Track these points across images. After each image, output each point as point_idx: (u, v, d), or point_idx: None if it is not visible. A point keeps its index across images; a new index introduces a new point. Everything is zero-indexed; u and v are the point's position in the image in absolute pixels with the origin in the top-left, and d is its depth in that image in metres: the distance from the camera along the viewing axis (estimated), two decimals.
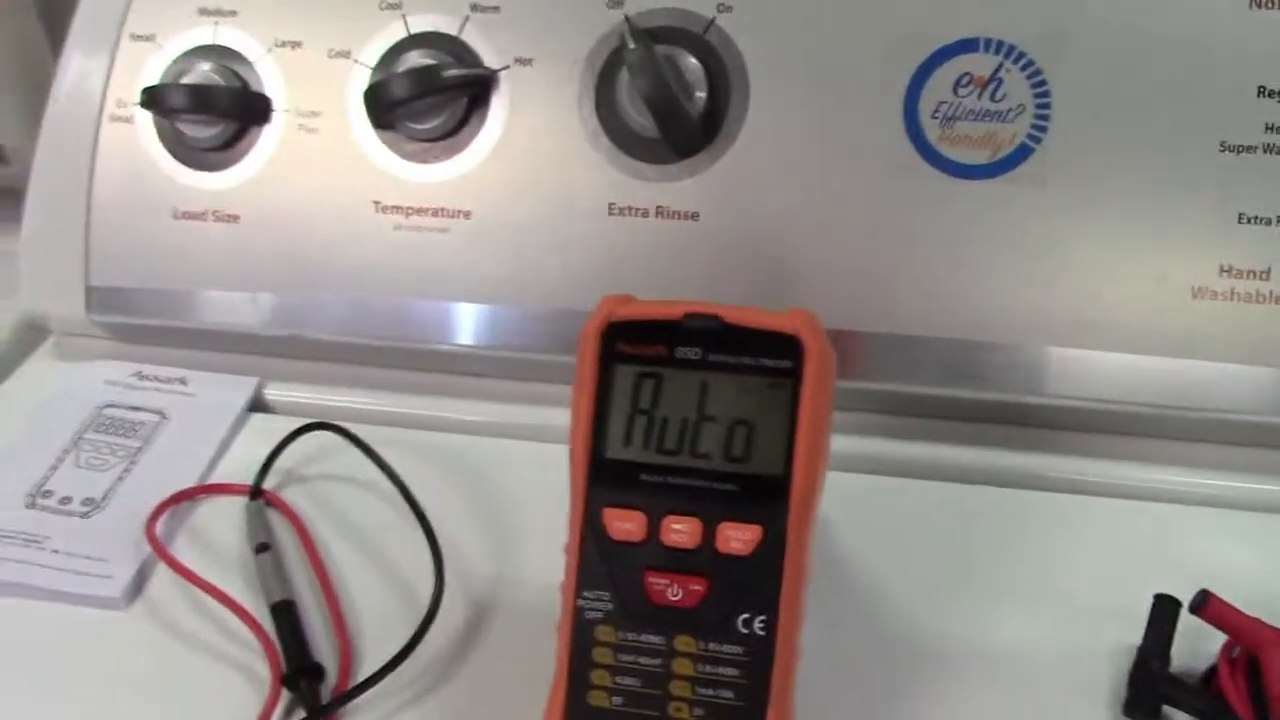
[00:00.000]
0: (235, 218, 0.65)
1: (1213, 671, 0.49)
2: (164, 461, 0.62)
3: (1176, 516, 0.57)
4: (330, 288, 0.64)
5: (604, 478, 0.45)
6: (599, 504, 0.45)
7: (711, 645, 0.44)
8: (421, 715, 0.51)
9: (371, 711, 0.51)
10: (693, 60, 0.59)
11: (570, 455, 0.46)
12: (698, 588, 0.44)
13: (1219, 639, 0.50)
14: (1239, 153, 0.55)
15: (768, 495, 0.44)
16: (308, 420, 0.62)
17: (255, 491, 0.60)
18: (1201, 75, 0.56)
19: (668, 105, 0.58)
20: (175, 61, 0.66)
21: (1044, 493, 0.57)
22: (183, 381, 0.66)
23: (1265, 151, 0.55)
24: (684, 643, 0.44)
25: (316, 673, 0.52)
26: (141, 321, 0.67)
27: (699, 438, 0.45)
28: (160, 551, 0.57)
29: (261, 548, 0.57)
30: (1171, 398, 0.56)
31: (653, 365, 0.45)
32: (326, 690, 0.51)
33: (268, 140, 0.65)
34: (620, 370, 0.46)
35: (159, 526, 0.58)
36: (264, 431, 0.64)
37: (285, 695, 0.51)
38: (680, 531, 0.44)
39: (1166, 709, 0.48)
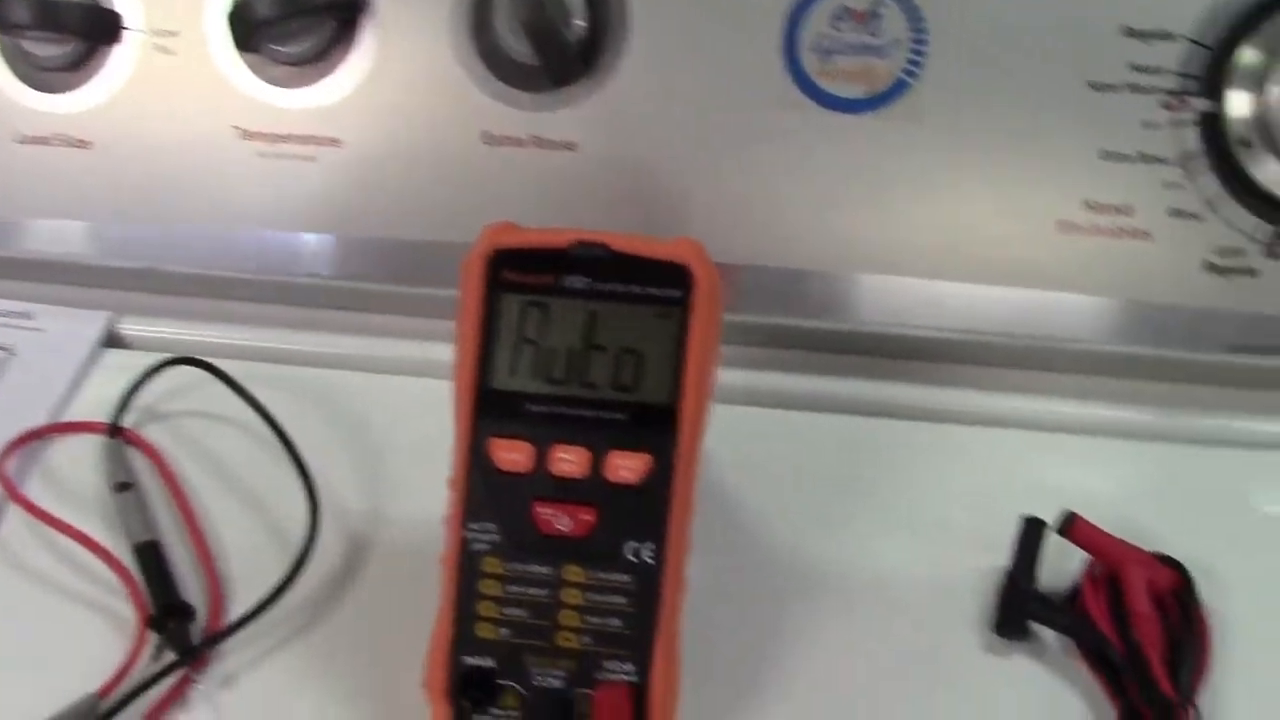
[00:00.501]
0: (85, 143, 0.62)
1: (1076, 590, 0.51)
2: (11, 400, 0.59)
3: (1039, 443, 0.58)
4: (189, 218, 0.62)
5: (490, 408, 0.45)
6: (485, 435, 0.44)
7: (600, 574, 0.44)
8: (298, 654, 0.50)
9: (246, 652, 0.49)
10: None
11: (455, 386, 0.45)
12: (587, 517, 0.44)
13: (1081, 559, 0.52)
14: (1104, 91, 0.57)
15: (656, 424, 0.44)
16: (168, 355, 0.59)
17: (113, 429, 0.57)
18: (1071, 15, 0.57)
19: (546, 32, 0.56)
20: None
21: (914, 422, 0.58)
22: (27, 316, 0.63)
23: (1130, 90, 0.56)
24: (572, 572, 0.44)
25: (185, 613, 0.50)
26: None
27: (587, 367, 0.45)
28: (11, 492, 0.54)
29: (121, 486, 0.54)
30: (1036, 328, 0.58)
31: (539, 294, 0.45)
32: (197, 631, 0.50)
33: (120, 61, 0.62)
34: (505, 299, 0.45)
35: (9, 468, 0.55)
36: (119, 368, 0.61)
37: (153, 638, 0.49)
38: (568, 461, 0.44)
39: (1034, 626, 0.50)
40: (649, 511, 0.44)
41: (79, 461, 0.57)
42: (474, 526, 0.44)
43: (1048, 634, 0.50)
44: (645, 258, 0.44)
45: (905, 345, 0.60)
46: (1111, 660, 0.48)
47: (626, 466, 0.44)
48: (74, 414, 0.59)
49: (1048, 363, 0.60)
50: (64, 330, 0.62)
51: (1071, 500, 0.53)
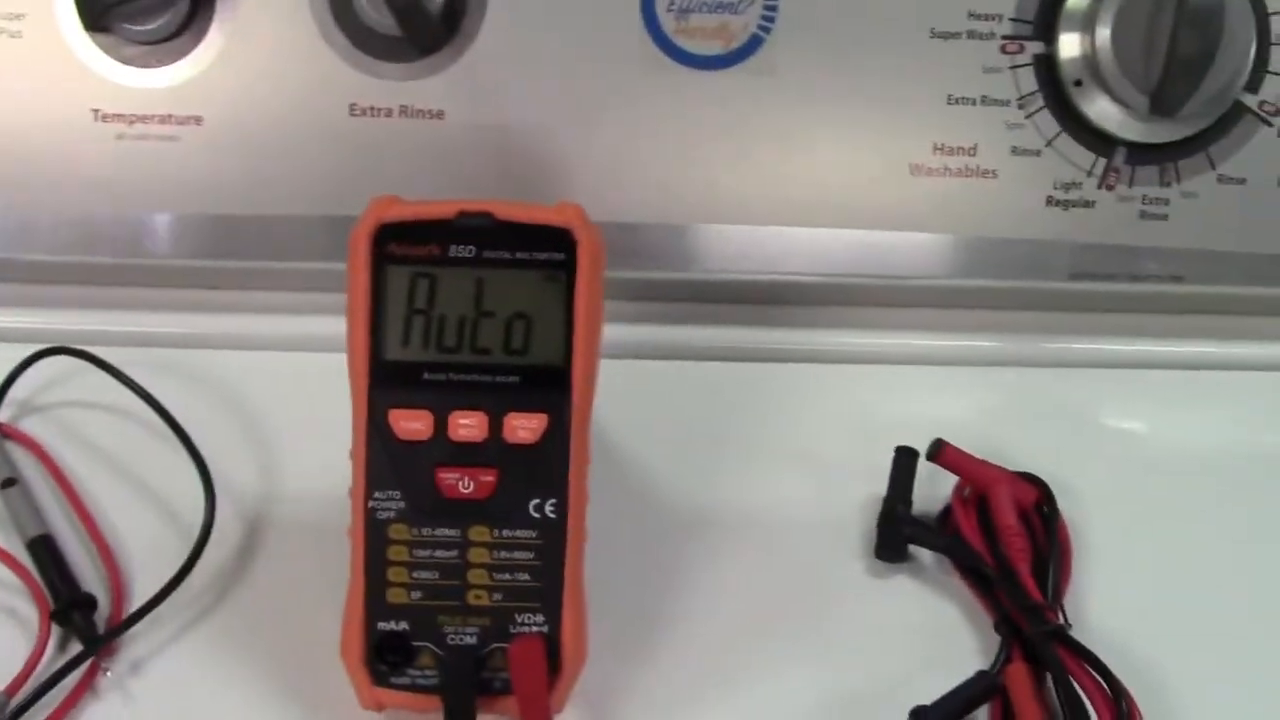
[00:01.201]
0: None
1: (947, 511, 0.55)
2: None
3: (901, 377, 0.62)
4: (46, 206, 0.60)
5: (385, 380, 0.45)
6: (383, 406, 0.45)
7: (505, 533, 0.45)
8: (206, 635, 0.50)
9: (152, 638, 0.50)
10: None
11: (349, 360, 0.46)
12: (488, 478, 0.45)
13: (948, 485, 0.56)
14: (946, 39, 0.59)
15: (550, 384, 0.45)
16: (42, 346, 0.58)
17: None
18: None
19: (407, 1, 0.57)
20: None
21: (782, 364, 0.62)
22: None
23: (969, 37, 0.59)
24: (478, 533, 0.45)
25: (89, 604, 0.50)
26: None
27: (478, 333, 0.46)
28: None
29: (7, 483, 0.54)
30: (893, 268, 0.61)
31: (426, 265, 0.45)
32: (100, 622, 0.50)
33: None
34: (393, 272, 0.45)
35: None
36: None
37: (56, 631, 0.49)
38: (467, 425, 0.45)
39: (912, 548, 0.54)
40: (549, 468, 0.45)
41: None
42: (378, 496, 0.45)
43: (925, 555, 0.54)
44: (529, 224, 0.45)
45: (770, 291, 0.62)
46: (985, 574, 0.51)
47: (524, 427, 0.45)
48: None
49: (905, 299, 0.64)
50: None
51: (934, 428, 0.56)
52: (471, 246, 0.45)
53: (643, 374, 0.60)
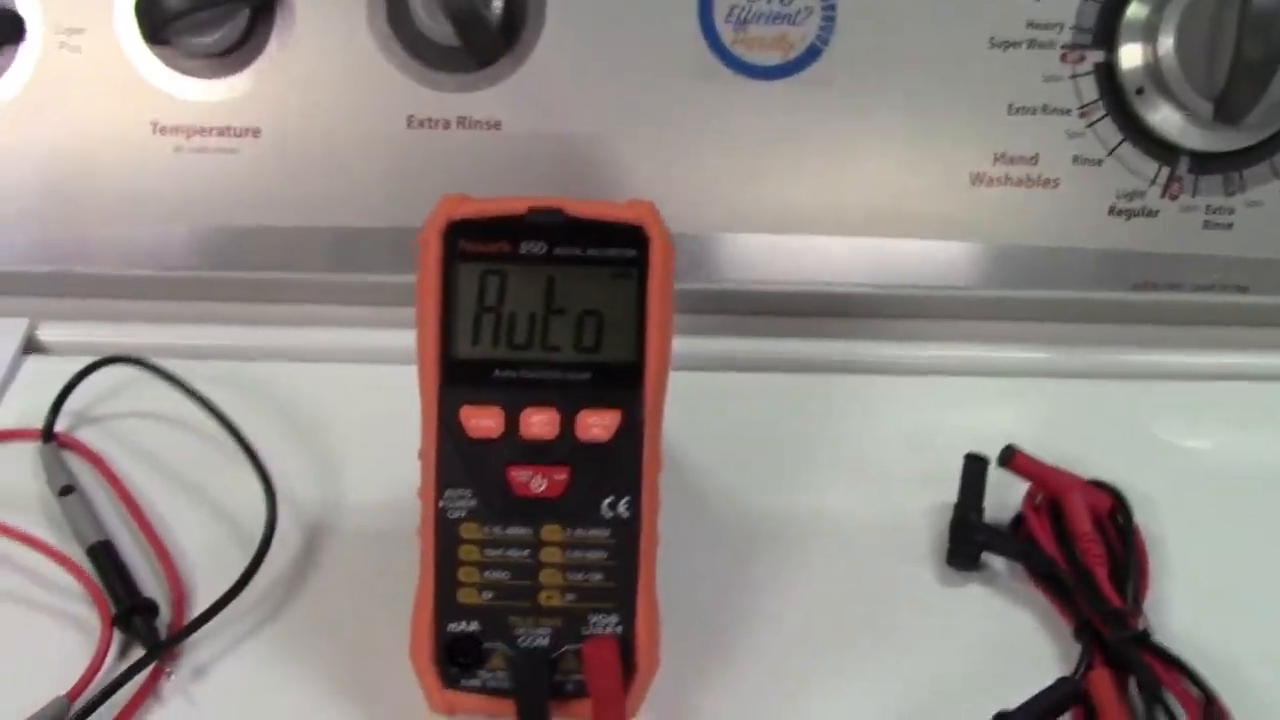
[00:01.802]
0: None
1: (1019, 519, 0.54)
2: None
3: (965, 387, 0.61)
4: (105, 219, 0.61)
5: (456, 378, 0.45)
6: (454, 404, 0.45)
7: (578, 531, 0.45)
8: (269, 640, 0.49)
9: (215, 643, 0.49)
10: None
11: (419, 358, 0.45)
12: (561, 477, 0.45)
13: (1014, 493, 0.55)
14: (1006, 48, 0.59)
15: (623, 381, 0.45)
16: (101, 356, 0.58)
17: (48, 434, 0.56)
18: None
19: (468, 13, 0.57)
20: None
21: (846, 375, 0.61)
22: None
23: (1029, 46, 0.59)
24: (550, 532, 0.45)
25: (151, 609, 0.49)
26: None
27: (548, 331, 0.45)
28: None
29: (66, 490, 0.53)
30: (954, 279, 0.61)
31: (496, 262, 0.45)
32: (161, 628, 0.49)
33: (23, 63, 0.60)
34: (464, 269, 0.45)
35: None
36: (42, 375, 0.59)
37: (117, 637, 0.48)
38: (539, 423, 0.44)
39: (984, 556, 0.53)
40: (622, 466, 0.45)
41: (11, 470, 0.55)
42: (449, 495, 0.45)
43: (996, 562, 0.53)
44: (600, 220, 0.45)
45: (831, 302, 0.62)
46: (1061, 580, 0.50)
47: (598, 424, 0.45)
48: (1, 423, 0.58)
49: (965, 311, 0.63)
50: None
51: (997, 438, 0.55)
52: (542, 243, 0.45)
53: (702, 385, 0.59)
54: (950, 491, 0.54)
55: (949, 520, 0.53)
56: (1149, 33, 0.58)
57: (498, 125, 0.60)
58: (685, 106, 0.60)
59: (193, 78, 0.60)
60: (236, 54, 0.60)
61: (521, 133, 0.60)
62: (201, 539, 0.53)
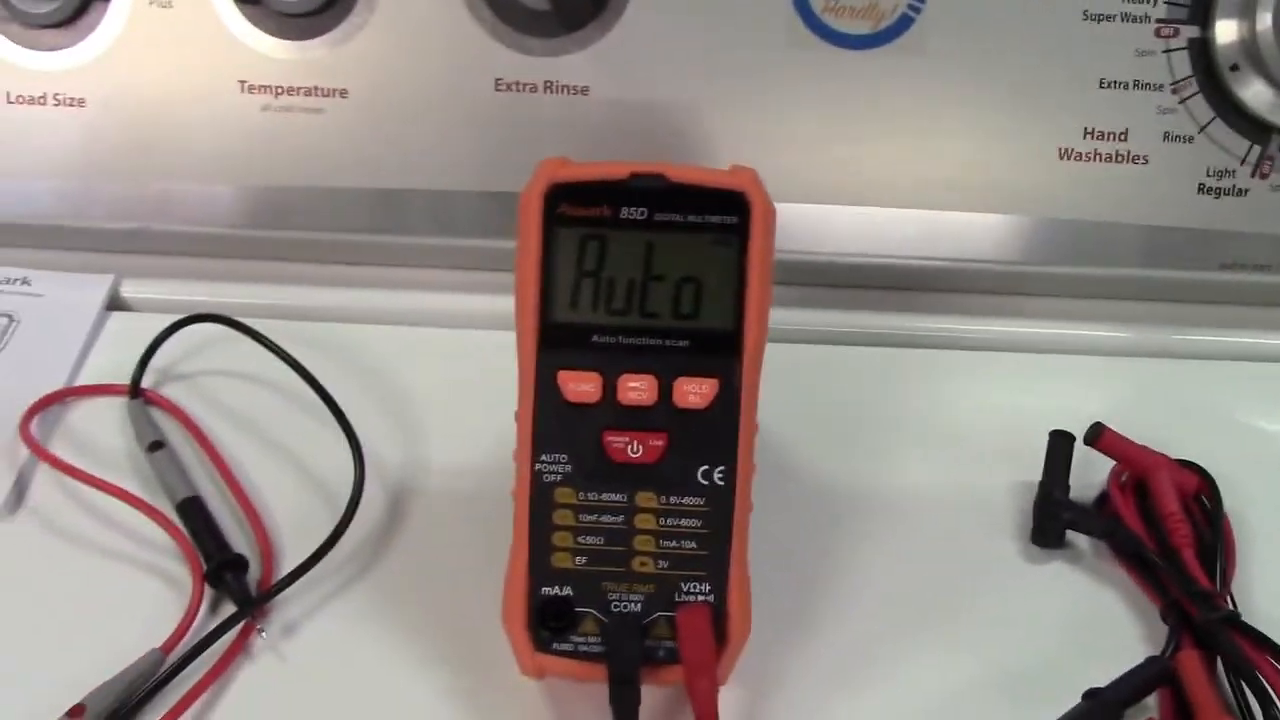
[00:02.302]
0: (80, 101, 0.60)
1: (1104, 497, 0.54)
2: (21, 367, 0.58)
3: (1051, 365, 0.61)
4: (191, 176, 0.61)
5: (554, 341, 0.45)
6: (552, 367, 0.45)
7: (673, 499, 0.45)
8: (357, 598, 0.49)
9: (304, 600, 0.49)
10: None
11: (517, 321, 0.45)
12: (657, 443, 0.45)
13: (1099, 471, 0.54)
14: (1099, 21, 0.59)
15: (720, 349, 0.45)
16: (187, 314, 0.58)
17: (135, 390, 0.56)
18: None
19: None
20: None
21: (933, 350, 0.61)
22: (26, 281, 0.61)
23: (1122, 20, 0.59)
24: (645, 498, 0.45)
25: (241, 565, 0.49)
26: None
27: (647, 296, 0.45)
28: (43, 454, 0.53)
29: (155, 445, 0.54)
30: (1042, 255, 0.60)
31: (597, 226, 0.45)
32: (250, 584, 0.49)
33: (115, 16, 0.60)
34: (563, 233, 0.45)
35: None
36: (127, 331, 0.60)
37: (207, 593, 0.49)
38: (637, 389, 0.45)
39: (1069, 534, 0.52)
40: (719, 435, 0.45)
41: (99, 424, 0.56)
42: (545, 458, 0.45)
43: (1081, 541, 0.53)
44: (702, 186, 0.45)
45: (916, 276, 0.62)
46: (1147, 559, 0.50)
47: (695, 391, 0.45)
48: (86, 378, 0.58)
49: (1050, 287, 0.63)
50: (66, 296, 0.61)
51: (1080, 416, 0.55)
52: (643, 209, 0.45)
53: (786, 357, 0.58)
54: (1035, 469, 0.54)
55: (1033, 497, 0.53)
56: (1246, 9, 0.57)
57: (585, 90, 0.59)
58: (774, 75, 0.59)
59: (281, 38, 0.60)
60: (325, 14, 0.59)
61: (609, 98, 0.59)
62: (287, 497, 0.53)
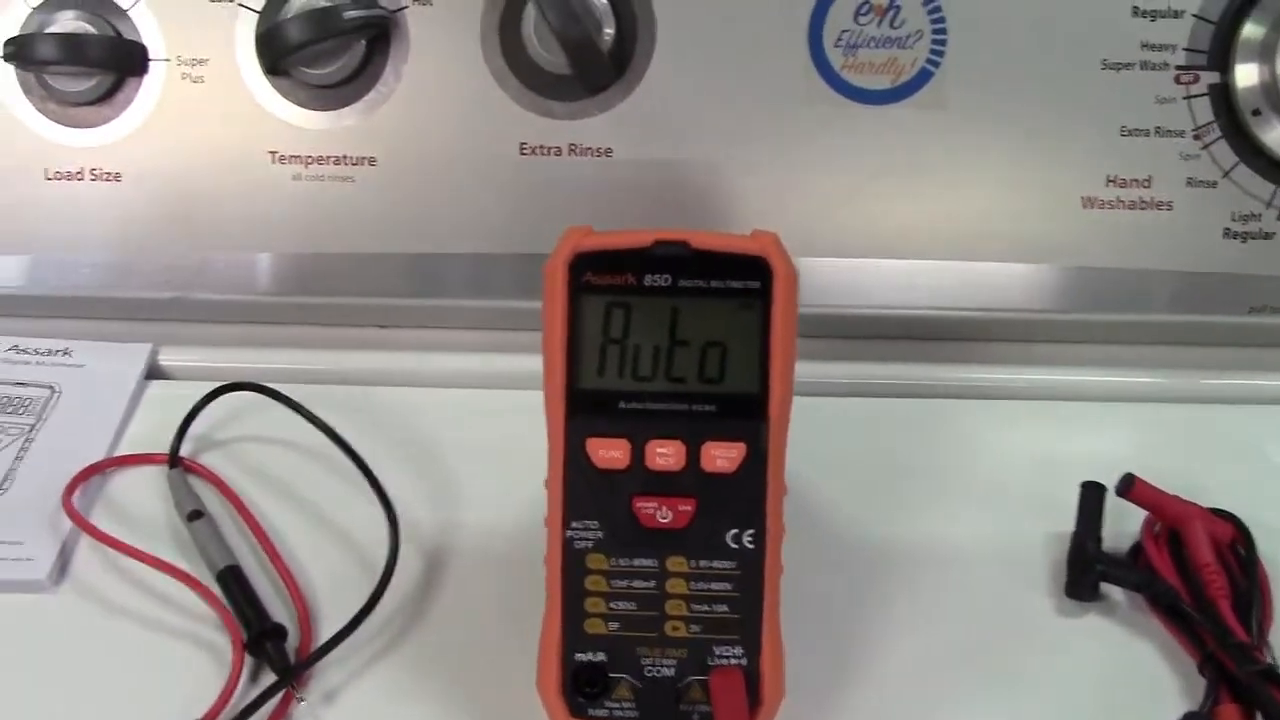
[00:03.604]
0: (115, 176, 0.62)
1: (1137, 547, 0.53)
2: (64, 437, 0.59)
3: (1077, 413, 0.61)
4: (225, 246, 0.62)
5: (582, 409, 0.45)
6: (580, 435, 0.45)
7: (703, 563, 0.45)
8: (395, 665, 0.50)
9: (342, 667, 0.50)
10: None
11: (545, 389, 0.46)
12: (686, 508, 0.45)
13: (1130, 520, 0.54)
14: (1119, 70, 0.59)
15: (747, 413, 0.45)
16: (216, 384, 0.59)
17: (174, 459, 0.57)
18: None
19: (581, 42, 0.57)
20: (35, 10, 0.62)
21: (958, 400, 0.61)
22: (67, 353, 0.63)
23: (1142, 68, 0.59)
24: (676, 563, 0.45)
25: (280, 634, 0.50)
26: (14, 292, 0.63)
27: (672, 362, 0.45)
28: (85, 527, 0.54)
29: (194, 515, 0.54)
30: (1067, 303, 0.61)
31: (622, 294, 0.45)
32: (290, 652, 0.50)
33: (148, 92, 0.61)
34: (589, 301, 0.45)
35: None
36: (166, 399, 0.61)
37: (247, 661, 0.49)
38: (665, 454, 0.45)
39: (1103, 586, 0.52)
40: (747, 498, 0.45)
41: (140, 493, 0.57)
42: (576, 525, 0.45)
43: (1115, 592, 0.52)
44: (725, 252, 0.45)
45: (942, 327, 0.62)
46: (1183, 612, 0.50)
47: (723, 456, 0.45)
48: (127, 448, 0.59)
49: (1076, 334, 0.63)
50: (106, 365, 0.62)
51: (1110, 464, 0.55)
52: (667, 275, 0.45)
53: (814, 411, 0.59)
54: (1066, 518, 0.54)
55: (1066, 549, 0.53)
56: (1265, 53, 0.58)
57: (609, 152, 0.60)
58: (795, 132, 0.60)
59: (310, 109, 0.61)
60: (353, 84, 0.61)
61: (632, 159, 0.60)
62: (324, 562, 0.54)
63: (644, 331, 0.45)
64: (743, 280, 0.45)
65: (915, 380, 0.61)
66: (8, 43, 0.60)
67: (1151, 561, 0.52)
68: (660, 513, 0.45)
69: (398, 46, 0.61)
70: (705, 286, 0.45)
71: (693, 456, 0.45)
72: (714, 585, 0.45)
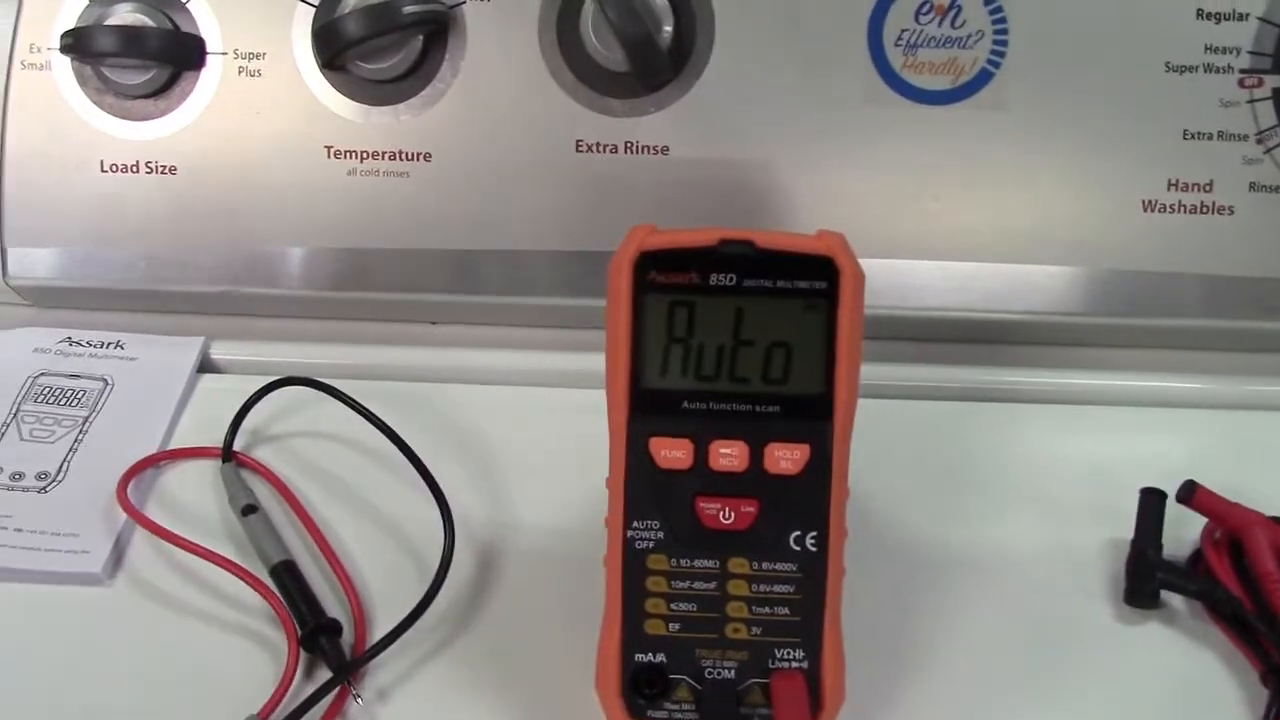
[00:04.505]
0: (172, 169, 0.62)
1: (1198, 556, 0.53)
2: (117, 429, 0.59)
3: (1138, 418, 0.60)
4: (280, 240, 0.62)
5: (645, 408, 0.45)
6: (643, 434, 0.45)
7: (765, 565, 0.45)
8: (449, 663, 0.50)
9: (396, 665, 0.50)
10: None
11: (608, 388, 0.45)
12: (749, 509, 0.45)
13: (1189, 528, 0.54)
14: (1182, 73, 0.58)
15: (811, 414, 0.45)
16: (270, 378, 0.59)
17: (227, 453, 0.57)
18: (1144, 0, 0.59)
19: (641, 39, 0.57)
20: (93, 3, 0.62)
21: (1017, 404, 0.60)
22: (119, 345, 0.63)
23: (1205, 71, 0.58)
24: (738, 564, 0.45)
25: (335, 630, 0.50)
26: (69, 284, 0.63)
27: (736, 362, 0.45)
28: (140, 519, 0.54)
29: (248, 509, 0.54)
30: (1126, 307, 0.60)
31: (686, 293, 0.45)
32: (345, 648, 0.50)
33: (205, 85, 0.62)
34: (653, 300, 0.45)
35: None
36: (218, 393, 0.61)
37: (303, 657, 0.49)
38: (729, 455, 0.45)
39: (1163, 594, 0.52)
40: (810, 500, 0.45)
41: (193, 487, 0.57)
42: (637, 525, 0.45)
43: (1175, 600, 0.52)
44: (791, 252, 0.45)
45: (1001, 329, 0.61)
46: (1245, 621, 0.49)
47: (787, 457, 0.45)
48: (179, 441, 0.59)
49: (1137, 339, 0.62)
50: (159, 358, 0.62)
51: (1173, 469, 0.54)
52: (732, 275, 0.45)
53: (873, 413, 0.58)
54: (1125, 525, 0.53)
55: (1125, 556, 0.52)
56: None
57: (665, 150, 0.60)
58: (854, 132, 0.59)
59: (366, 104, 0.61)
60: (409, 80, 0.61)
61: (689, 157, 0.60)
62: (377, 558, 0.54)
63: (708, 331, 0.45)
64: (809, 280, 0.45)
65: (970, 383, 0.60)
66: (65, 35, 0.61)
67: (1212, 569, 0.51)
68: (723, 513, 0.45)
69: (455, 42, 0.60)
70: (771, 286, 0.45)
71: (756, 457, 0.45)
72: (776, 587, 0.45)
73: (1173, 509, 0.53)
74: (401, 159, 0.61)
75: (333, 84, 0.61)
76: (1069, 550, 0.54)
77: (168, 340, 0.63)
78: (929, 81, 0.59)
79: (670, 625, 0.45)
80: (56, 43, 0.61)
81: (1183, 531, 0.54)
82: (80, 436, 0.58)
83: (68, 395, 0.60)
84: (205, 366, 0.63)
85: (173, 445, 0.59)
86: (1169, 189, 0.59)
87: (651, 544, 0.45)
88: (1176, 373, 0.61)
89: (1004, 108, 0.59)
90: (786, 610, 0.45)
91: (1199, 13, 0.58)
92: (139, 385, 0.61)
